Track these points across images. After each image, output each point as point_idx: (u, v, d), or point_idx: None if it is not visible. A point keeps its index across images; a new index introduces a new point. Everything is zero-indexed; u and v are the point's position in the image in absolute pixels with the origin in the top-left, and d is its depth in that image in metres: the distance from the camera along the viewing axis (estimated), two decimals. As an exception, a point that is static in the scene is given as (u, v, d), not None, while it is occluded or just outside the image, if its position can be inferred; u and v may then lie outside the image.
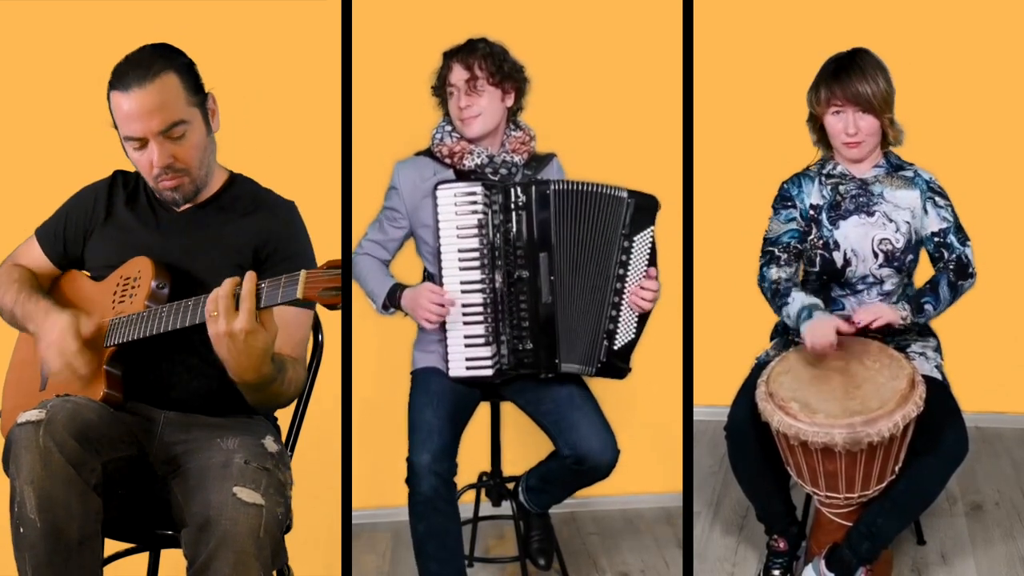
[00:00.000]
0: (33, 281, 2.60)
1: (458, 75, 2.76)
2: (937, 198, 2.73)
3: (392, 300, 2.76)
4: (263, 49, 3.30)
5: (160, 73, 2.39)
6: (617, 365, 2.78)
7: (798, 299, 2.67)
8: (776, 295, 2.72)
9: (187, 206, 2.53)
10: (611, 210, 2.72)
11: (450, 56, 2.78)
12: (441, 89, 2.81)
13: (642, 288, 2.73)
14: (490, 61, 2.75)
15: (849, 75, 2.65)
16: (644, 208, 2.73)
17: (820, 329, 2.60)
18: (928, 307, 2.66)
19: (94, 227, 2.56)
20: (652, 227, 2.75)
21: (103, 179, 2.61)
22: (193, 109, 2.44)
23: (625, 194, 2.72)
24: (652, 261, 2.76)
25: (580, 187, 2.70)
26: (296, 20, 3.30)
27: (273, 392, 2.36)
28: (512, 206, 2.68)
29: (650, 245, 2.75)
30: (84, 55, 3.11)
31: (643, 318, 2.77)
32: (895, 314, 2.64)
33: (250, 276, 2.17)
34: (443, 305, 2.68)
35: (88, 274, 2.59)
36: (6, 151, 3.36)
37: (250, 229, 2.50)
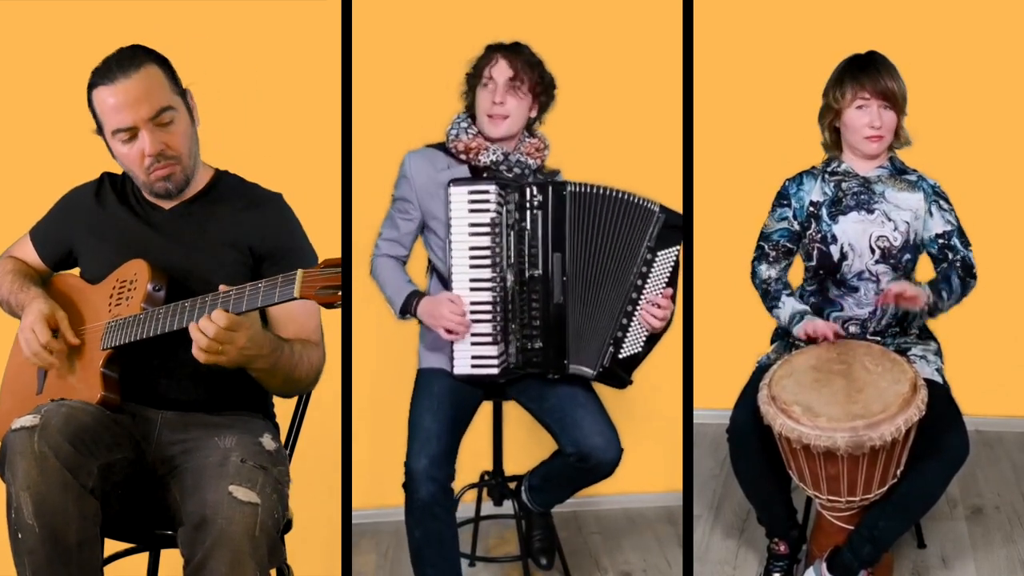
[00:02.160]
0: (27, 271, 2.62)
1: (502, 71, 2.74)
2: (942, 202, 2.75)
3: (408, 307, 2.75)
4: (263, 48, 3.29)
5: (143, 65, 2.43)
6: (618, 374, 2.76)
7: (788, 304, 2.78)
8: (767, 295, 2.84)
9: (176, 203, 2.54)
10: (637, 220, 2.71)
11: (496, 49, 2.77)
12: (475, 78, 2.79)
13: (654, 305, 2.71)
14: (535, 70, 2.76)
15: (877, 70, 2.68)
16: (672, 226, 2.73)
17: (815, 323, 2.71)
18: (944, 295, 2.67)
19: (84, 229, 2.56)
20: (678, 247, 2.74)
21: (91, 181, 2.62)
22: (177, 98, 2.47)
23: (657, 208, 2.71)
24: (672, 282, 2.75)
25: (599, 191, 2.70)
26: (296, 20, 3.30)
27: (286, 366, 2.37)
28: (528, 205, 2.68)
29: (672, 264, 2.74)
30: (78, 56, 3.10)
31: (653, 337, 2.76)
32: (921, 293, 2.61)
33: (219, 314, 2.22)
34: (464, 315, 2.68)
35: (78, 275, 2.59)
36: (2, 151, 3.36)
37: (244, 224, 2.51)
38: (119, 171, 2.60)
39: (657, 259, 2.72)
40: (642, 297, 2.72)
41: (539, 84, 2.78)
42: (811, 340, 2.75)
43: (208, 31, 3.16)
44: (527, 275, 2.70)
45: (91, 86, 2.44)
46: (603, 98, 3.49)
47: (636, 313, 2.73)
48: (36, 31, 3.33)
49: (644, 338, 2.75)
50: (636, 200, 2.71)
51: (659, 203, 2.72)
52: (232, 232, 2.50)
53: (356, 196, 2.94)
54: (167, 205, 2.53)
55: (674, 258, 2.74)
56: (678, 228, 2.74)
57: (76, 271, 2.61)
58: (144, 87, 2.41)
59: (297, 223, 2.58)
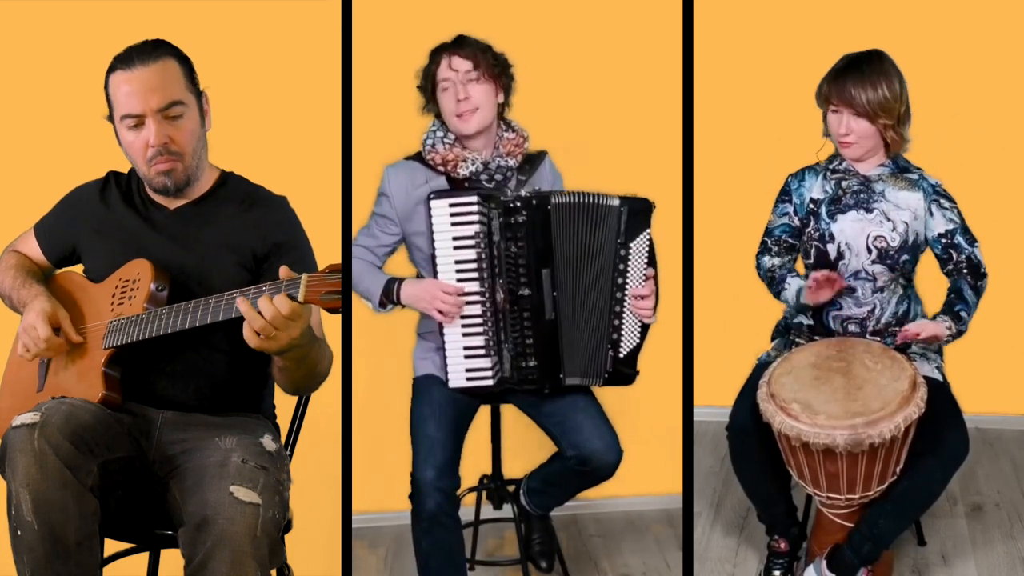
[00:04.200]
0: (30, 267, 2.63)
1: (457, 65, 2.70)
2: (942, 200, 2.74)
3: (388, 295, 2.71)
4: (263, 49, 3.30)
5: (162, 57, 2.45)
6: (624, 372, 2.76)
7: (793, 283, 2.77)
8: (772, 282, 2.83)
9: (181, 203, 2.54)
10: (607, 220, 2.68)
11: (441, 51, 2.74)
12: (430, 86, 2.75)
13: (639, 298, 2.71)
14: (486, 54, 2.71)
15: (845, 78, 2.65)
16: (638, 212, 2.70)
17: (813, 276, 2.69)
18: (963, 314, 2.67)
19: (88, 227, 2.56)
20: (648, 230, 2.72)
21: (96, 180, 2.62)
22: (190, 96, 2.48)
23: (617, 202, 2.68)
24: (651, 262, 2.74)
25: (579, 199, 2.66)
26: (296, 20, 3.30)
27: (313, 360, 2.35)
28: (512, 222, 2.64)
29: (647, 248, 2.72)
30: (83, 54, 3.12)
31: (646, 325, 2.76)
32: (939, 327, 2.63)
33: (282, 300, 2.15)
34: (455, 294, 2.65)
35: (82, 273, 2.59)
36: (6, 148, 3.36)
37: (248, 225, 2.51)
38: (125, 170, 2.61)
39: (631, 251, 2.71)
40: (627, 293, 2.72)
41: (495, 66, 2.72)
42: (816, 334, 2.75)
43: (208, 32, 3.16)
44: (517, 294, 2.68)
45: (109, 70, 2.47)
46: (602, 96, 3.50)
47: (625, 310, 2.73)
48: (40, 30, 3.34)
49: (639, 330, 2.75)
50: (600, 200, 2.68)
51: (617, 196, 2.68)
52: (234, 235, 2.49)
53: (356, 199, 2.94)
54: (171, 205, 2.54)
55: (647, 242, 2.71)
56: (643, 212, 2.70)
57: (79, 268, 2.62)
58: (159, 78, 2.43)
59: (300, 225, 2.58)
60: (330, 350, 2.46)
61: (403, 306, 2.73)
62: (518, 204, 2.64)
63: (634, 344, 2.75)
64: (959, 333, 2.68)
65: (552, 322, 2.69)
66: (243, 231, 2.49)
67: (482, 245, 2.65)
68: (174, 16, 3.18)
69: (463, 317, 2.68)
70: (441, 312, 2.66)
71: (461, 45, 2.73)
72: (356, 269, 2.78)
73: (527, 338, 2.69)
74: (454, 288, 2.65)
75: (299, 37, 3.30)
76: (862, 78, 2.65)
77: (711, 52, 3.32)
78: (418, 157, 2.78)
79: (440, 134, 2.76)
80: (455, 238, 2.65)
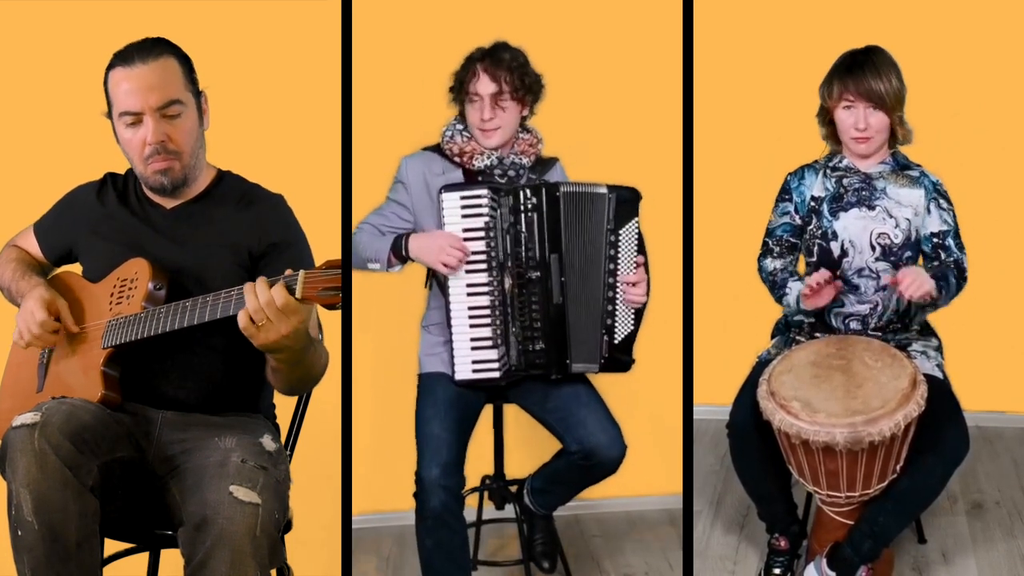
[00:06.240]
0: (30, 261, 2.64)
1: (485, 86, 2.73)
2: (942, 200, 2.75)
3: (397, 252, 2.71)
4: (263, 49, 3.30)
5: (162, 55, 2.45)
6: (620, 359, 2.79)
7: (794, 288, 2.76)
8: (774, 287, 2.83)
9: (177, 202, 2.54)
10: (598, 207, 2.73)
11: (476, 61, 2.75)
12: (459, 91, 2.78)
13: (629, 284, 2.75)
14: (516, 75, 2.74)
15: (863, 71, 2.66)
16: (626, 201, 2.75)
17: (809, 280, 2.67)
18: (943, 291, 2.65)
19: (85, 228, 2.56)
20: (636, 218, 2.77)
21: (94, 181, 2.62)
22: (189, 95, 2.48)
23: (604, 190, 2.74)
24: (640, 251, 2.78)
25: (585, 188, 2.72)
26: (296, 20, 3.31)
27: (308, 363, 2.34)
28: (522, 208, 2.69)
29: (636, 237, 2.77)
30: (83, 53, 3.13)
31: (640, 309, 2.79)
32: (933, 285, 2.57)
33: (280, 288, 2.14)
34: (461, 248, 2.67)
35: (80, 274, 2.59)
36: (6, 148, 3.37)
37: (244, 224, 2.51)
38: (123, 170, 2.61)
39: (621, 238, 2.75)
40: (618, 280, 2.76)
41: (522, 89, 2.75)
42: (817, 331, 2.75)
43: (208, 31, 3.16)
44: (526, 277, 2.71)
45: (109, 67, 2.47)
46: (603, 94, 3.50)
47: (617, 296, 2.76)
48: (40, 29, 3.35)
49: (632, 316, 2.78)
50: (590, 189, 2.73)
51: (604, 184, 2.74)
52: (230, 233, 2.50)
53: (356, 197, 2.95)
54: (168, 205, 2.54)
55: (636, 231, 2.77)
56: (631, 201, 2.76)
57: (77, 268, 2.62)
58: (158, 76, 2.43)
59: (297, 223, 2.58)
60: (326, 352, 2.46)
61: (411, 260, 2.73)
62: (527, 191, 2.70)
63: (628, 330, 2.79)
64: (934, 302, 2.65)
65: (560, 306, 2.73)
66: (240, 230, 2.50)
67: (492, 237, 2.69)
68: (174, 15, 3.18)
69: (471, 308, 2.71)
70: (446, 264, 2.67)
71: (494, 61, 2.74)
72: (362, 239, 2.77)
73: (535, 321, 2.72)
74: (461, 243, 2.67)
75: (299, 37, 3.31)
76: (876, 71, 2.66)
77: (711, 52, 3.32)
78: (436, 148, 2.83)
79: (460, 127, 2.81)
80: (465, 229, 2.69)
